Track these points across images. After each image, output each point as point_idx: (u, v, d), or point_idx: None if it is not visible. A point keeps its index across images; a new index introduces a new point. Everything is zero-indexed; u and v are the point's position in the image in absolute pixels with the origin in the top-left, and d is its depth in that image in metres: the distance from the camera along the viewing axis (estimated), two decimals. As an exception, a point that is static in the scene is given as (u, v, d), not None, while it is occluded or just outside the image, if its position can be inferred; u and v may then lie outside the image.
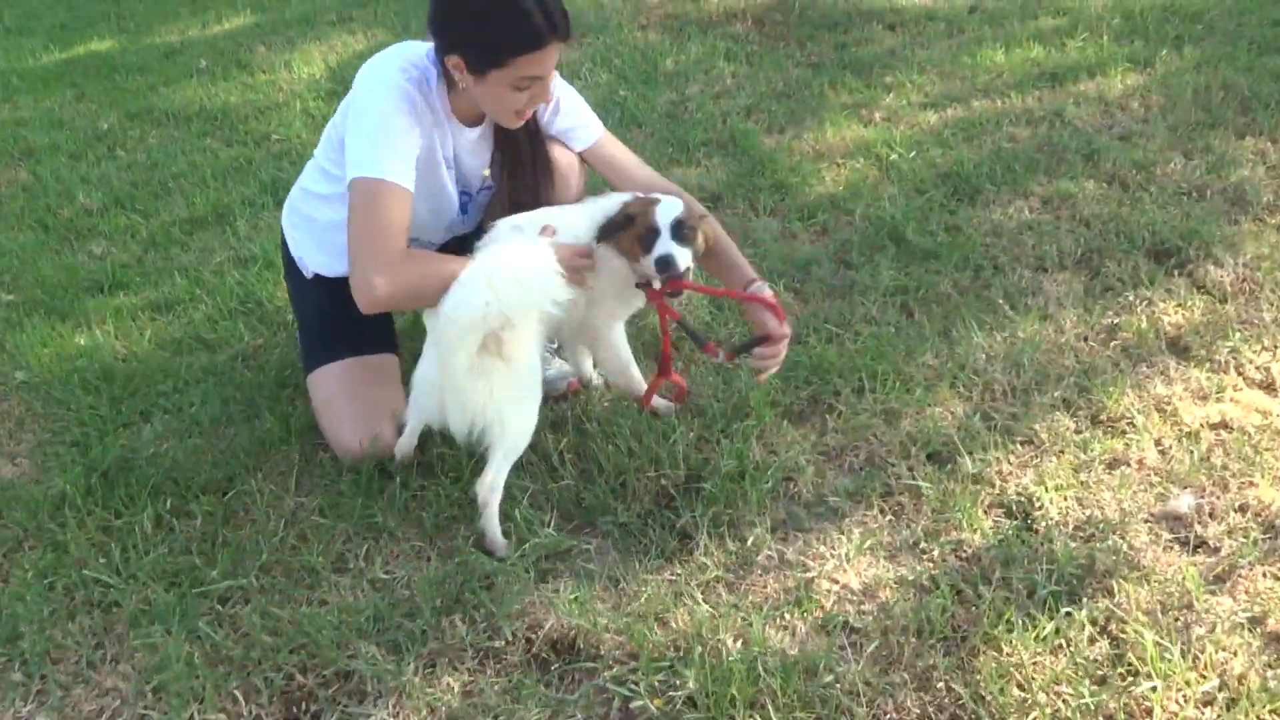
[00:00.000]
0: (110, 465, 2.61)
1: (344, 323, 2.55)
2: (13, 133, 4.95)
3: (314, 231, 2.73)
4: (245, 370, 3.02)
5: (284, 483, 2.57)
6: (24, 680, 2.07)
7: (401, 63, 2.37)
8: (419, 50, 2.42)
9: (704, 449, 2.59)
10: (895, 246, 3.47)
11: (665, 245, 2.37)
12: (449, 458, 2.56)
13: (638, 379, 2.67)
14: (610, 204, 2.53)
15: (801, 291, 3.30)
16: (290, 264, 2.84)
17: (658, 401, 2.72)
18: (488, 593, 2.19)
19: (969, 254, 3.38)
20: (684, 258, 2.40)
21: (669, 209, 2.42)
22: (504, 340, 2.17)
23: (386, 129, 2.29)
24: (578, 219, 2.49)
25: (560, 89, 2.62)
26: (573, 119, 2.68)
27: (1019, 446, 2.55)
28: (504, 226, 2.44)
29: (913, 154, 4.12)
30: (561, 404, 2.79)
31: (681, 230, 2.40)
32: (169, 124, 5.02)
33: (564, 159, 2.67)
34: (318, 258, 2.73)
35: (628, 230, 2.43)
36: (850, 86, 4.86)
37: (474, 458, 2.52)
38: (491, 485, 2.30)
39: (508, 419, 2.29)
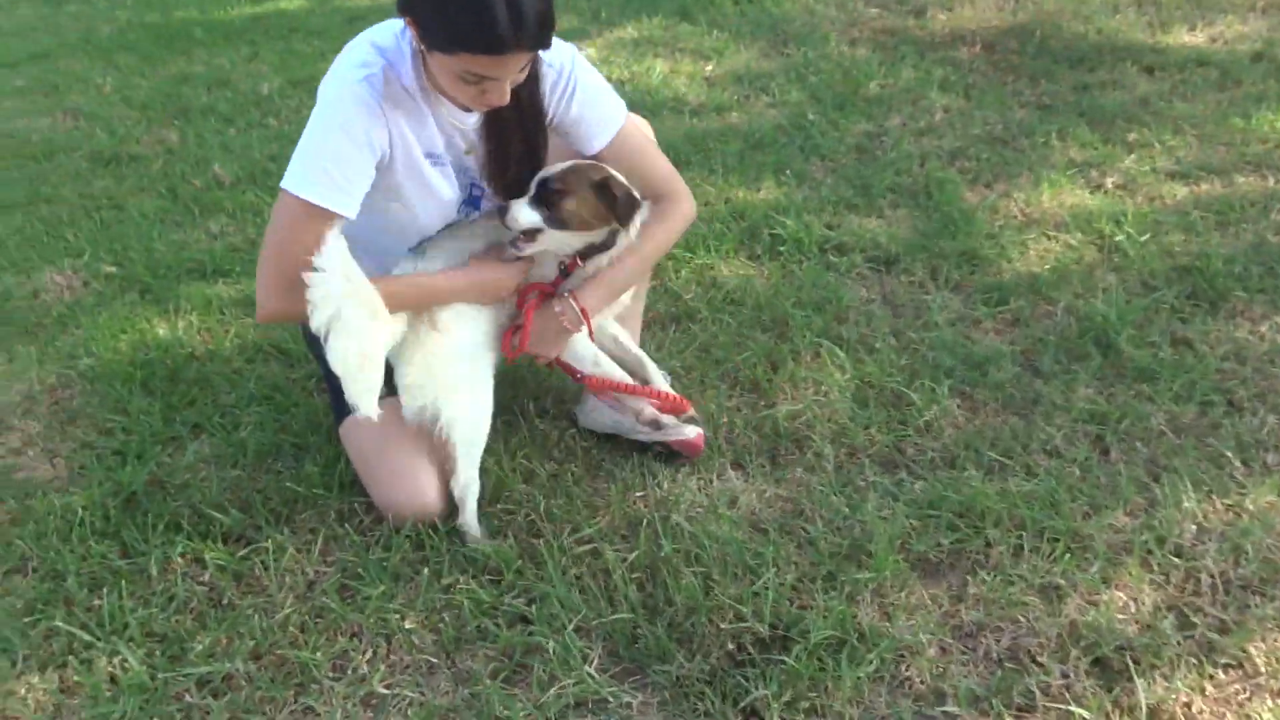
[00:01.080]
0: (139, 488, 2.41)
1: None
2: (174, 90, 4.97)
3: None
4: (315, 396, 2.77)
5: (309, 546, 2.29)
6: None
7: (363, 55, 2.08)
8: (389, 31, 2.12)
9: (801, 595, 2.13)
10: (1101, 356, 2.85)
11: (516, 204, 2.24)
12: (493, 553, 2.21)
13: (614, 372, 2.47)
14: None
15: (969, 397, 2.75)
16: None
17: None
18: (491, 746, 1.83)
19: (1198, 381, 2.73)
20: (525, 215, 2.23)
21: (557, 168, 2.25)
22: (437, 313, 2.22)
23: (322, 147, 2.06)
24: None
25: (580, 69, 2.28)
26: (588, 109, 2.30)
27: (1222, 672, 1.95)
28: None
29: (1145, 236, 3.44)
30: (638, 502, 2.39)
31: (545, 190, 2.23)
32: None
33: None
34: None
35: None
36: (1083, 140, 4.17)
37: (518, 560, 2.17)
38: (465, 484, 2.29)
39: (455, 405, 2.26)
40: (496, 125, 2.23)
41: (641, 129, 2.52)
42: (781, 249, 3.44)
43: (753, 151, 4.16)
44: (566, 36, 2.25)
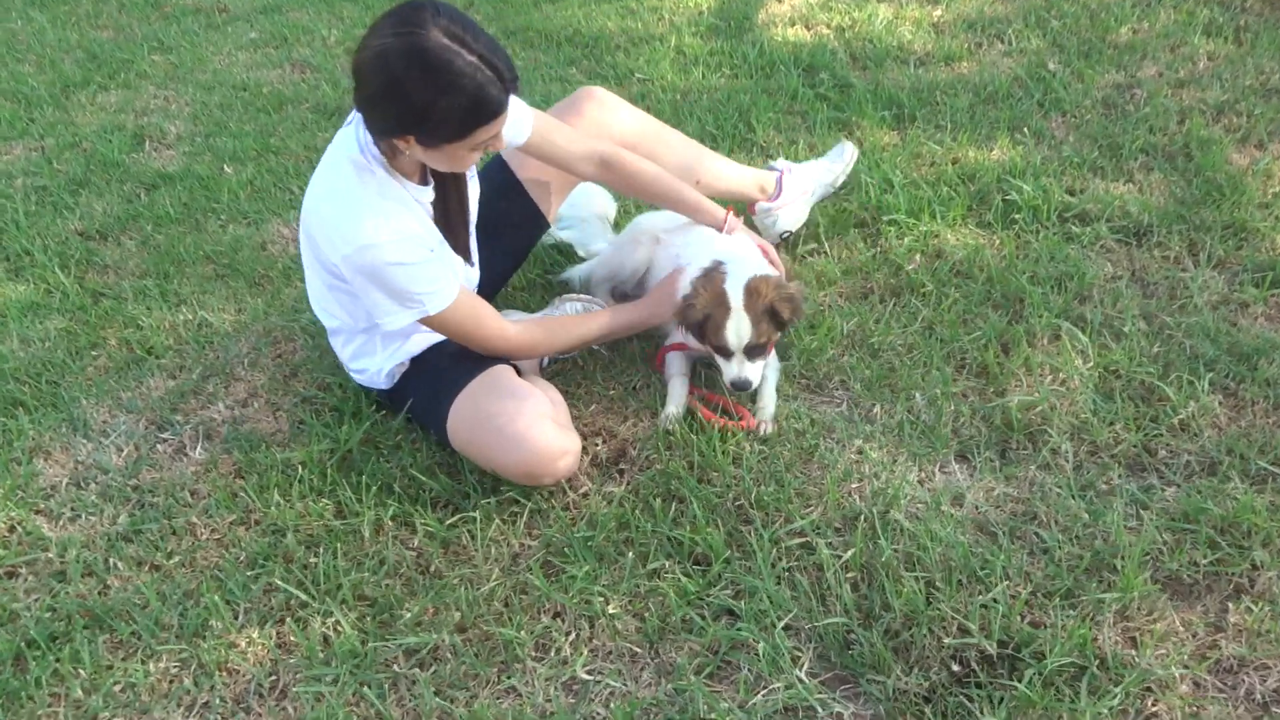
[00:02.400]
0: (354, 447, 2.48)
1: (447, 365, 2.48)
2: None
3: (374, 341, 2.51)
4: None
5: (514, 519, 2.29)
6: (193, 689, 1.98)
7: (353, 187, 2.21)
8: (354, 147, 2.23)
9: (1034, 611, 1.96)
10: (1402, 354, 2.49)
11: (736, 369, 2.49)
12: (701, 540, 2.15)
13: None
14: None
15: (1234, 394, 2.46)
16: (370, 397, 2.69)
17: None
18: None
19: None
20: (757, 373, 2.51)
21: (737, 323, 2.44)
22: None
23: (399, 285, 2.22)
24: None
25: None
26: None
27: None
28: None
29: None
30: (853, 494, 2.26)
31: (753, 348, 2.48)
32: (539, 46, 4.91)
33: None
34: (388, 359, 2.52)
35: (701, 328, 2.50)
36: (1381, 92, 3.65)
37: (726, 549, 2.10)
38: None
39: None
40: (440, 188, 2.41)
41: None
42: (1016, 216, 3.17)
43: (985, 106, 3.85)
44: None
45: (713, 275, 2.51)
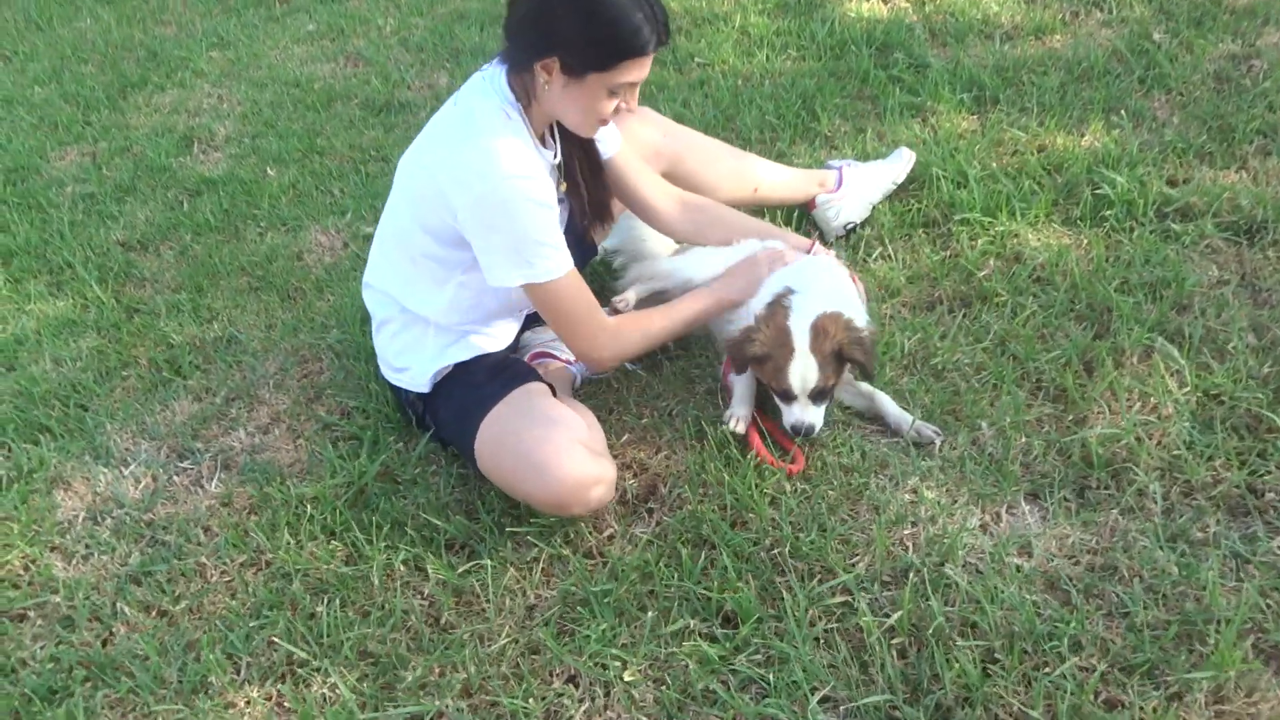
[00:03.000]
0: (369, 481, 2.35)
1: (483, 379, 2.34)
2: (448, 30, 4.92)
3: (427, 336, 2.38)
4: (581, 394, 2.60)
5: (531, 566, 2.13)
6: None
7: (497, 126, 2.16)
8: (491, 94, 2.21)
9: (1110, 688, 1.72)
10: None
11: (799, 413, 2.27)
12: (730, 600, 1.95)
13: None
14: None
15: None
16: (402, 401, 2.51)
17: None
18: None
19: None
20: (820, 417, 2.27)
21: (802, 368, 2.21)
22: None
23: (529, 227, 2.14)
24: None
25: None
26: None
27: None
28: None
29: None
30: (905, 541, 2.03)
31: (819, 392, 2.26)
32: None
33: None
34: (435, 359, 2.37)
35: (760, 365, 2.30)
36: None
37: (758, 608, 1.89)
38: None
39: None
40: (572, 165, 2.43)
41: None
42: (1107, 213, 2.85)
43: (1078, 85, 3.51)
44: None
45: (776, 310, 2.29)
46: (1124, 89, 3.43)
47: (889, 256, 2.86)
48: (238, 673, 2.02)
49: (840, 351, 2.20)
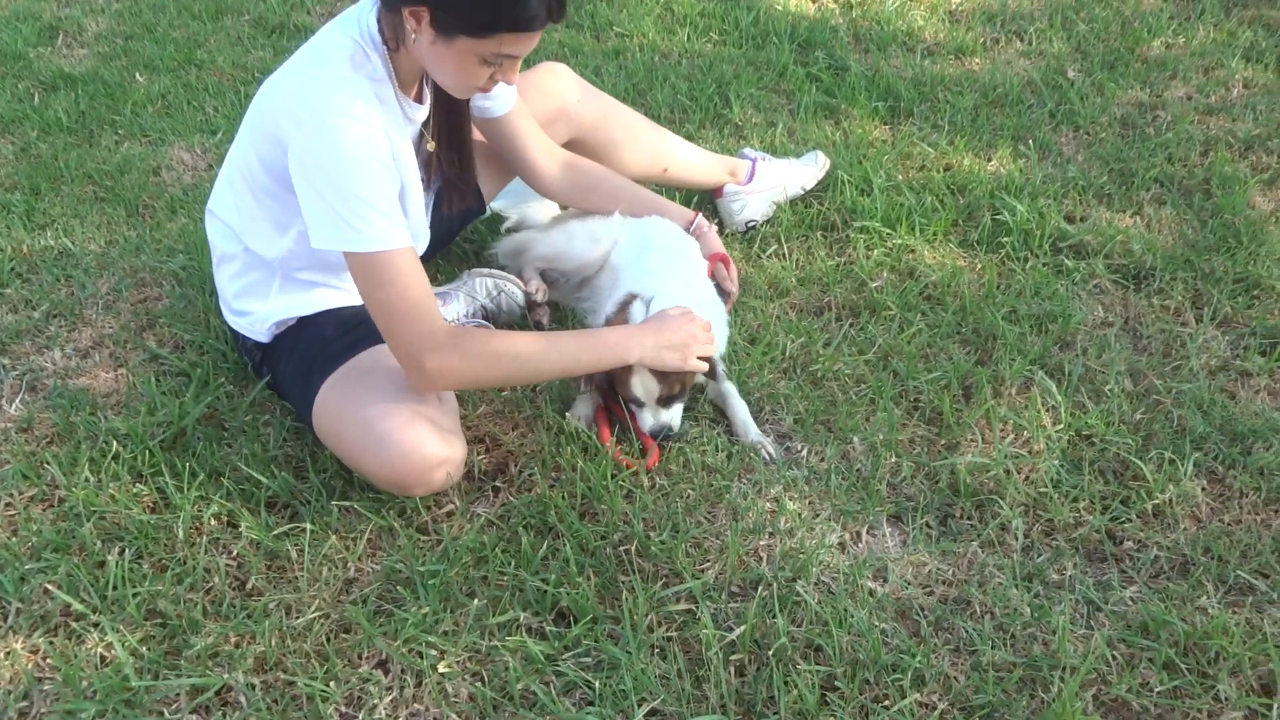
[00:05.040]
0: (190, 425, 2.12)
1: (331, 335, 2.11)
2: None
3: (272, 282, 2.16)
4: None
5: (354, 537, 1.94)
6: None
7: (344, 63, 1.91)
8: (353, 28, 1.96)
9: (947, 731, 1.63)
10: None
11: (652, 418, 2.17)
12: (566, 596, 1.80)
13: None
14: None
15: (1221, 480, 2.12)
16: (240, 345, 2.30)
17: None
18: None
19: None
20: (677, 417, 2.19)
21: (642, 378, 2.11)
22: None
23: (353, 179, 1.84)
24: None
25: None
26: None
27: None
28: None
29: None
30: (760, 552, 1.91)
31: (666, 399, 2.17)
32: None
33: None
34: (277, 309, 2.16)
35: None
36: None
37: (595, 606, 1.75)
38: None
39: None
40: (445, 122, 2.21)
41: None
42: (1005, 240, 2.81)
43: (991, 109, 3.48)
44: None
45: (619, 319, 2.18)
46: (1034, 120, 3.42)
47: (783, 255, 2.76)
48: (3, 619, 1.78)
49: None
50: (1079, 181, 3.07)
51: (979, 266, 2.74)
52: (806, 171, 2.98)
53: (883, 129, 3.36)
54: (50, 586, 1.80)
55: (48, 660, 1.71)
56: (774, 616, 1.79)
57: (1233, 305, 2.60)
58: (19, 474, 2.02)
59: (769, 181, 2.89)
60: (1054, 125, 3.41)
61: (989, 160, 3.19)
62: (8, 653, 1.72)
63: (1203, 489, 2.10)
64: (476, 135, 2.36)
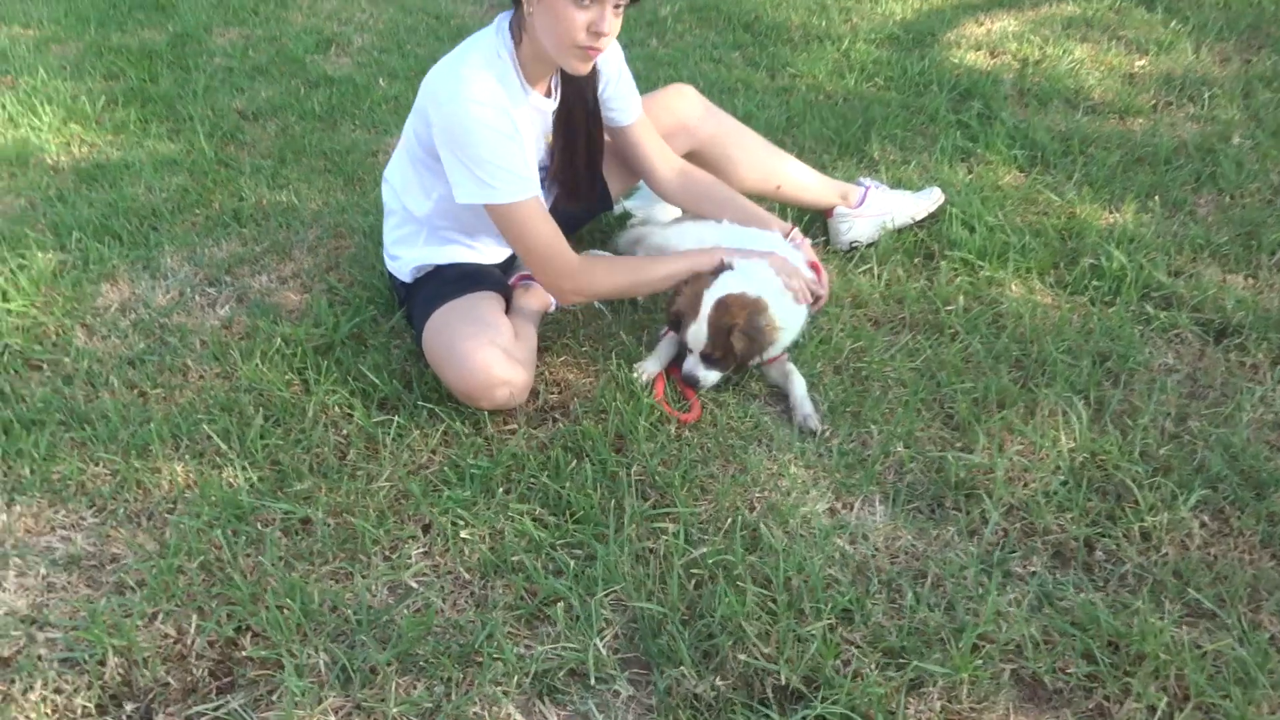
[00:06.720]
0: (340, 338, 2.72)
1: (452, 280, 2.63)
2: None
3: (420, 235, 2.71)
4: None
5: (431, 434, 2.44)
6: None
7: (478, 60, 2.37)
8: (494, 35, 2.42)
9: (857, 660, 1.87)
10: None
11: (691, 365, 2.57)
12: (577, 498, 2.20)
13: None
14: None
15: (1224, 517, 2.20)
16: (392, 284, 2.86)
17: None
18: None
19: None
20: (710, 378, 2.56)
21: (696, 330, 2.50)
22: None
23: (484, 150, 2.32)
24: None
25: (618, 55, 2.67)
26: (624, 88, 2.70)
27: None
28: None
29: None
30: (753, 501, 2.22)
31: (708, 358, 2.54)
32: (715, 24, 4.93)
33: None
34: (419, 256, 2.71)
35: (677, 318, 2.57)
36: None
37: (599, 513, 2.13)
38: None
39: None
40: (567, 120, 2.60)
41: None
42: (1096, 284, 2.93)
43: (1134, 166, 3.55)
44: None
45: (702, 278, 2.54)
46: (1175, 179, 3.45)
47: (871, 274, 3.02)
48: (175, 448, 2.40)
49: (730, 331, 2.44)
50: (1197, 239, 3.11)
51: (1060, 304, 2.87)
52: (919, 204, 3.21)
53: (1015, 175, 3.52)
54: (211, 432, 2.41)
55: (193, 477, 2.31)
56: (752, 553, 2.09)
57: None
58: (211, 355, 2.67)
59: (879, 208, 3.15)
60: (1196, 186, 3.44)
61: (1113, 213, 3.29)
62: (169, 471, 2.33)
63: (1201, 523, 2.18)
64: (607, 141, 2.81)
